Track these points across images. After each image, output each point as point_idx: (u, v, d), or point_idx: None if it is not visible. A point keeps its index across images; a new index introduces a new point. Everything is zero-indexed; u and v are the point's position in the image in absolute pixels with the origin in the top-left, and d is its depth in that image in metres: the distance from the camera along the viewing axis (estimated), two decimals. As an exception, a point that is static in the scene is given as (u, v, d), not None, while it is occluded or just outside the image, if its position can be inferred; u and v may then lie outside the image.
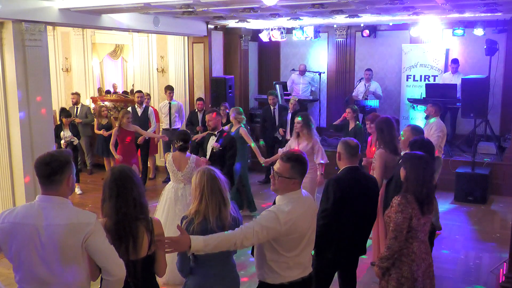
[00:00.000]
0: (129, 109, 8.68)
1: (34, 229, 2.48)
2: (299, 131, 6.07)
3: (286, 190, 2.97)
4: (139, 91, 9.29)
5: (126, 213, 2.71)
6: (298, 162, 2.96)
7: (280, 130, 8.54)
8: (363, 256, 4.40)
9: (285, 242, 2.91)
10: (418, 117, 9.84)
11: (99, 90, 11.84)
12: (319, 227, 3.43)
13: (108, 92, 11.86)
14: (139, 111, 8.84)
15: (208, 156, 5.91)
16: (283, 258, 2.96)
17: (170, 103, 9.33)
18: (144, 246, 2.74)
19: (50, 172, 2.52)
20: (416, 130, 4.80)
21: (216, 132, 5.92)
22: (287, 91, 10.65)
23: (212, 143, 5.91)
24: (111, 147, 7.64)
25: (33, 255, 2.50)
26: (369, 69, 10.23)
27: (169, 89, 9.39)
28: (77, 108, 9.91)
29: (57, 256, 2.49)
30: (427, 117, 6.96)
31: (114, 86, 12.54)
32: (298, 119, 6.08)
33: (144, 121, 8.84)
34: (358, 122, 7.65)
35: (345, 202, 3.64)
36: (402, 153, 4.72)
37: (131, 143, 7.87)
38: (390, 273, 3.44)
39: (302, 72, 10.85)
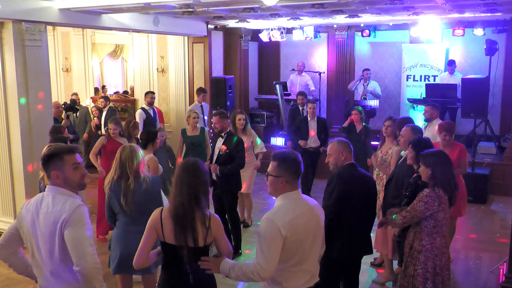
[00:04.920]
0: (140, 110, 8.55)
1: (34, 217, 2.67)
2: (243, 128, 6.56)
3: (277, 190, 2.90)
4: (152, 92, 9.07)
5: (182, 202, 2.88)
6: (283, 160, 2.89)
7: (301, 142, 7.91)
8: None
9: (285, 247, 2.79)
10: (418, 117, 9.83)
11: (96, 90, 11.80)
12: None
13: (96, 89, 11.77)
14: (151, 112, 8.74)
15: (214, 159, 5.78)
16: (284, 267, 2.83)
17: (202, 106, 9.02)
18: (201, 236, 2.87)
19: (41, 163, 2.76)
20: (416, 129, 4.80)
21: (223, 134, 5.77)
22: (287, 91, 10.65)
23: (219, 145, 5.77)
24: (92, 156, 6.32)
25: (32, 241, 2.69)
26: (367, 69, 10.23)
27: (203, 91, 9.06)
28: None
29: (45, 243, 2.64)
30: (427, 120, 6.87)
31: (104, 90, 12.35)
32: (243, 116, 6.62)
33: (155, 121, 8.78)
34: (364, 123, 7.65)
35: (348, 198, 3.64)
36: (402, 153, 4.71)
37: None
38: (415, 268, 3.67)
39: (300, 71, 10.82)
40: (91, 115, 9.88)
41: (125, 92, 11.98)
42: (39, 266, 2.71)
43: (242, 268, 2.84)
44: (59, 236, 2.59)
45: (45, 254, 2.65)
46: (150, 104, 8.70)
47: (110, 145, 6.24)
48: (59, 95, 11.61)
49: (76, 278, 2.65)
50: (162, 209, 2.97)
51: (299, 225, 2.81)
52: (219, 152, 5.72)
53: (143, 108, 8.68)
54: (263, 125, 10.74)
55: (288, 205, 2.85)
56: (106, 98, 9.78)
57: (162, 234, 2.91)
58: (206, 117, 9.16)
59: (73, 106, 9.40)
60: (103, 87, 11.99)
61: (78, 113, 9.85)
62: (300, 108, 8.81)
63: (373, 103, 9.93)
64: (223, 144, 5.71)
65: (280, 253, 2.78)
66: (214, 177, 5.77)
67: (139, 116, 8.49)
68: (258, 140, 6.82)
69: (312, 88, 10.82)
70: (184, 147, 7.29)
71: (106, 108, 9.52)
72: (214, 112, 6.08)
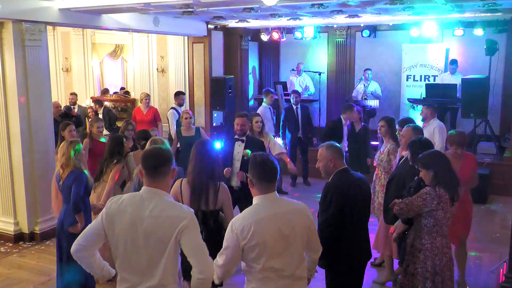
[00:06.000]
0: (172, 110, 8.46)
1: (135, 218, 2.58)
2: (260, 130, 6.40)
3: (252, 192, 2.87)
4: (183, 93, 8.95)
5: (199, 172, 3.62)
6: (251, 163, 2.88)
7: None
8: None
9: (246, 251, 2.71)
10: (418, 117, 9.83)
11: (106, 91, 11.72)
12: (325, 239, 3.19)
13: (106, 90, 11.75)
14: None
15: (239, 166, 5.32)
16: (256, 269, 2.74)
17: (270, 108, 8.74)
18: (211, 201, 3.64)
19: (158, 164, 2.66)
20: (417, 130, 4.80)
21: (244, 137, 5.43)
22: (287, 91, 10.65)
23: (239, 150, 5.37)
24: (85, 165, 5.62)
25: (131, 243, 2.58)
26: (367, 69, 10.23)
27: (271, 92, 8.81)
28: (73, 108, 9.89)
29: (153, 246, 2.56)
30: (424, 120, 6.89)
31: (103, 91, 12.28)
32: (260, 118, 6.46)
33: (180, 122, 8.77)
34: (363, 123, 7.67)
35: (348, 206, 3.48)
36: (404, 154, 4.71)
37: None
38: (415, 267, 3.67)
39: (299, 72, 10.81)
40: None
41: (126, 92, 11.96)
42: (132, 268, 2.60)
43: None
44: (174, 241, 2.53)
45: (146, 257, 2.56)
46: (181, 105, 8.66)
47: (96, 146, 6.27)
48: (59, 95, 11.61)
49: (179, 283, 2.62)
50: (182, 180, 3.69)
51: (261, 229, 2.70)
52: (243, 157, 5.30)
53: (174, 108, 8.59)
54: (263, 125, 10.73)
55: (254, 209, 2.79)
56: (97, 102, 9.75)
57: (181, 200, 3.59)
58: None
59: (67, 113, 9.37)
60: (122, 88, 11.91)
61: (78, 113, 9.82)
62: (294, 107, 8.75)
63: (373, 103, 9.94)
64: (245, 148, 5.33)
65: (245, 254, 2.72)
66: (234, 183, 5.35)
67: (172, 115, 8.43)
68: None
69: (312, 88, 10.83)
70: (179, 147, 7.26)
71: (101, 109, 9.51)
72: (238, 113, 5.75)
